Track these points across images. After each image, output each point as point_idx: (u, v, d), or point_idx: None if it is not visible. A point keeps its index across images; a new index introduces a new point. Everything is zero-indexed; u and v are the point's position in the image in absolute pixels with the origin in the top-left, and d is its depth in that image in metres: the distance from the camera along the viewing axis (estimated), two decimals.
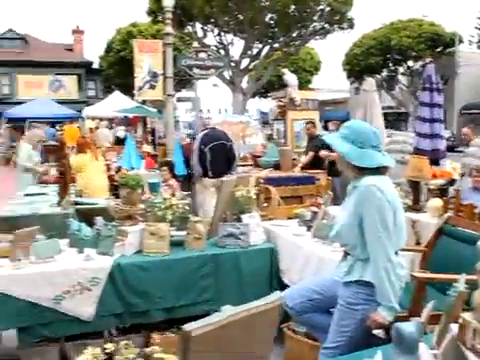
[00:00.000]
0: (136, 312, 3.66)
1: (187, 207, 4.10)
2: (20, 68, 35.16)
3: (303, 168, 8.03)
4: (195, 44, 24.02)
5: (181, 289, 3.72)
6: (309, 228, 4.04)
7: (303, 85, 31.63)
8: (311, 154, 8.21)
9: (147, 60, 15.78)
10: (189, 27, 24.04)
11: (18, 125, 11.42)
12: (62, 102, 27.21)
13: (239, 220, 4.11)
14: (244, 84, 25.87)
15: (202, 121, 7.89)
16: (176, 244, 3.91)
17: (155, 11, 23.49)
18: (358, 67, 31.88)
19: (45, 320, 3.48)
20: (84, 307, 3.51)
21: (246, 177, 4.71)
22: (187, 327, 1.42)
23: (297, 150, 10.18)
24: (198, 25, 24.00)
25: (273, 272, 4.01)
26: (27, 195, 6.35)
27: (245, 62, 24.94)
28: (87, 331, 3.57)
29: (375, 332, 2.76)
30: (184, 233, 3.96)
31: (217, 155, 7.00)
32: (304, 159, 8.56)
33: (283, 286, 3.88)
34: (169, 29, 13.51)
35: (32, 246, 3.55)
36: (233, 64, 23.96)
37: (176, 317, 3.74)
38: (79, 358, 1.55)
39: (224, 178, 4.84)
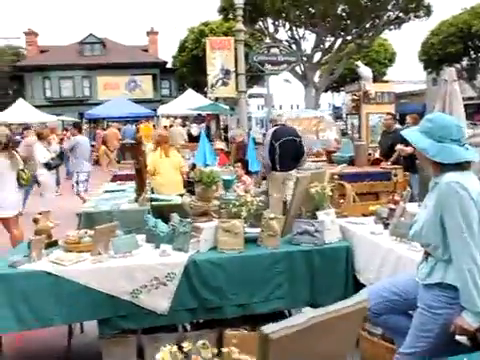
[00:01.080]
0: (210, 308, 3.70)
1: (261, 204, 4.09)
2: (99, 70, 36.82)
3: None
4: (267, 40, 24.03)
5: (254, 286, 3.72)
6: (386, 226, 3.90)
7: (377, 78, 30.74)
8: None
9: (219, 58, 15.99)
10: (260, 23, 24.06)
11: (75, 122, 12.01)
12: (138, 101, 28.16)
13: (314, 217, 4.04)
14: (316, 78, 25.55)
15: (273, 117, 8.18)
16: (250, 241, 3.91)
17: (226, 9, 23.73)
18: (436, 57, 30.46)
19: (123, 312, 3.60)
20: (160, 301, 3.60)
21: (321, 173, 4.60)
22: (265, 329, 1.38)
23: (372, 145, 9.92)
24: (269, 20, 23.95)
25: (348, 271, 3.90)
26: (106, 192, 6.62)
27: (317, 56, 24.61)
28: (162, 324, 3.68)
29: (458, 339, 2.60)
30: (258, 230, 3.95)
31: (286, 150, 7.39)
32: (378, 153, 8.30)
33: (358, 286, 3.79)
34: (240, 26, 13.63)
35: (112, 241, 3.68)
36: (305, 58, 23.70)
37: (249, 313, 3.75)
38: (157, 356, 1.56)
39: (293, 172, 4.86)
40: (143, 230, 4.12)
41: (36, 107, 25.72)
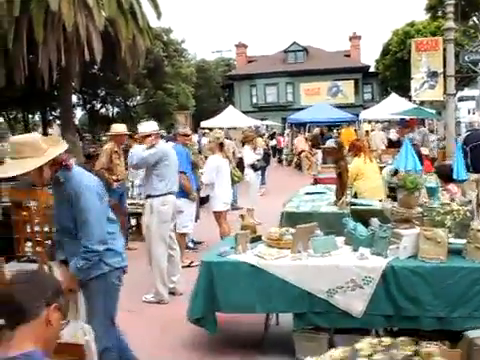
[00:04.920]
0: (406, 317, 3.60)
1: (469, 213, 3.81)
2: (302, 77, 38.02)
3: None
4: None
5: (456, 300, 3.48)
6: None
7: None
8: None
9: (425, 59, 15.17)
10: (474, 18, 22.12)
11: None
12: (339, 106, 28.28)
13: None
14: None
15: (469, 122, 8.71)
16: (454, 252, 3.69)
17: (435, 6, 22.35)
18: None
19: (318, 310, 3.73)
20: (355, 304, 3.63)
21: None
22: (471, 334, 1.31)
23: None
24: None
25: None
26: (307, 194, 6.83)
27: None
28: (355, 327, 3.69)
29: None
30: (464, 241, 3.70)
31: (477, 153, 7.86)
32: None
33: None
34: (450, 24, 12.73)
35: (311, 240, 3.82)
36: None
37: (448, 328, 3.51)
38: (357, 345, 1.61)
39: None
40: (342, 233, 4.19)
41: (243, 112, 27.69)
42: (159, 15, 22.81)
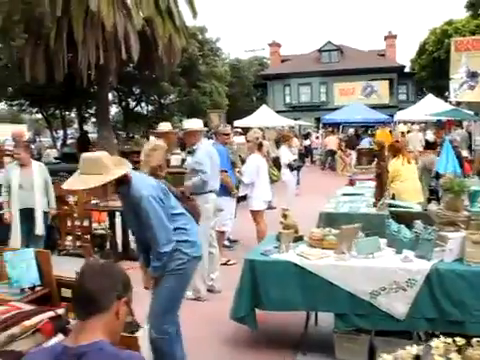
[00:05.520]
0: (450, 321, 3.57)
1: None
2: (336, 77, 37.63)
3: None
4: None
5: None
6: None
7: None
8: None
9: (465, 59, 14.83)
10: None
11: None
12: (374, 107, 27.93)
13: None
14: None
15: None
16: None
17: (475, 4, 21.88)
18: None
19: (360, 311, 3.74)
20: (398, 306, 3.62)
21: None
22: None
23: None
24: None
25: None
26: (345, 195, 6.81)
27: None
28: (397, 329, 3.69)
29: None
30: None
31: None
32: None
33: None
34: None
35: (355, 242, 3.83)
36: None
37: None
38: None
39: None
40: (383, 234, 4.17)
41: (276, 112, 27.67)
42: (195, 14, 22.95)
